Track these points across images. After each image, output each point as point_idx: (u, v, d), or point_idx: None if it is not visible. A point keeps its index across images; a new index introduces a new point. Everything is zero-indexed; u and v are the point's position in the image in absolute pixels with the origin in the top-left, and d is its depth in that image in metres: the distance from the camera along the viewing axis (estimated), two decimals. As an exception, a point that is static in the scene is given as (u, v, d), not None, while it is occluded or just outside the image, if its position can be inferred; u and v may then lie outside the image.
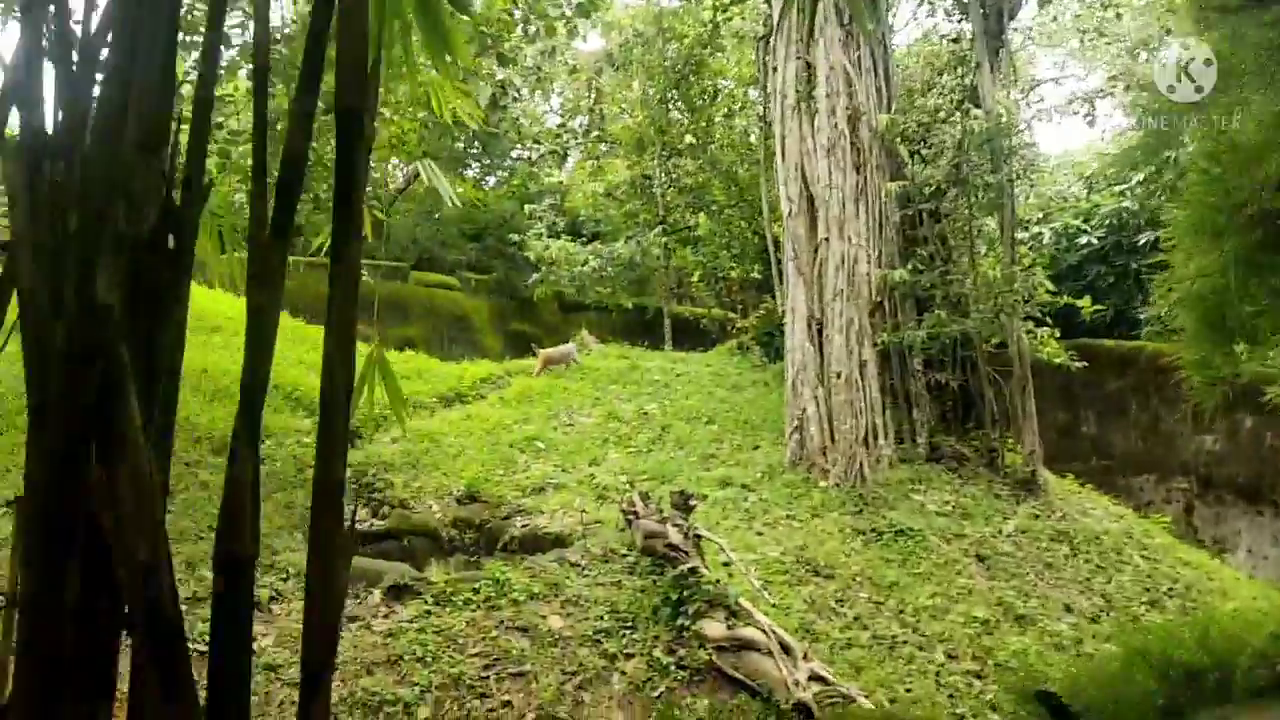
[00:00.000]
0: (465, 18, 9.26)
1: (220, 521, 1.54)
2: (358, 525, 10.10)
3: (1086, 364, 14.63)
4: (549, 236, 21.26)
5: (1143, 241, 20.93)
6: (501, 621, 7.66)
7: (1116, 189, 22.28)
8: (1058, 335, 14.29)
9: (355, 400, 3.99)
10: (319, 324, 15.22)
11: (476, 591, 7.89)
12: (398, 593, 7.91)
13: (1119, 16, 22.79)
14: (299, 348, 14.38)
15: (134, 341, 1.35)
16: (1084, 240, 21.89)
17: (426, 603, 7.67)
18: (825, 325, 12.49)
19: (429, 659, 7.04)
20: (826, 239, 12.79)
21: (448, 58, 3.54)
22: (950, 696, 8.58)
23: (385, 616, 7.62)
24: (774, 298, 18.01)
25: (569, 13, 10.73)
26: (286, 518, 9.45)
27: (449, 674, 6.93)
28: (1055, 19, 24.86)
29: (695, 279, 22.29)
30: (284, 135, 1.53)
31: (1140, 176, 21.75)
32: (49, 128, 1.42)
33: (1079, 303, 15.45)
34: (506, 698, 6.97)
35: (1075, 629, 10.14)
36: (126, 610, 1.39)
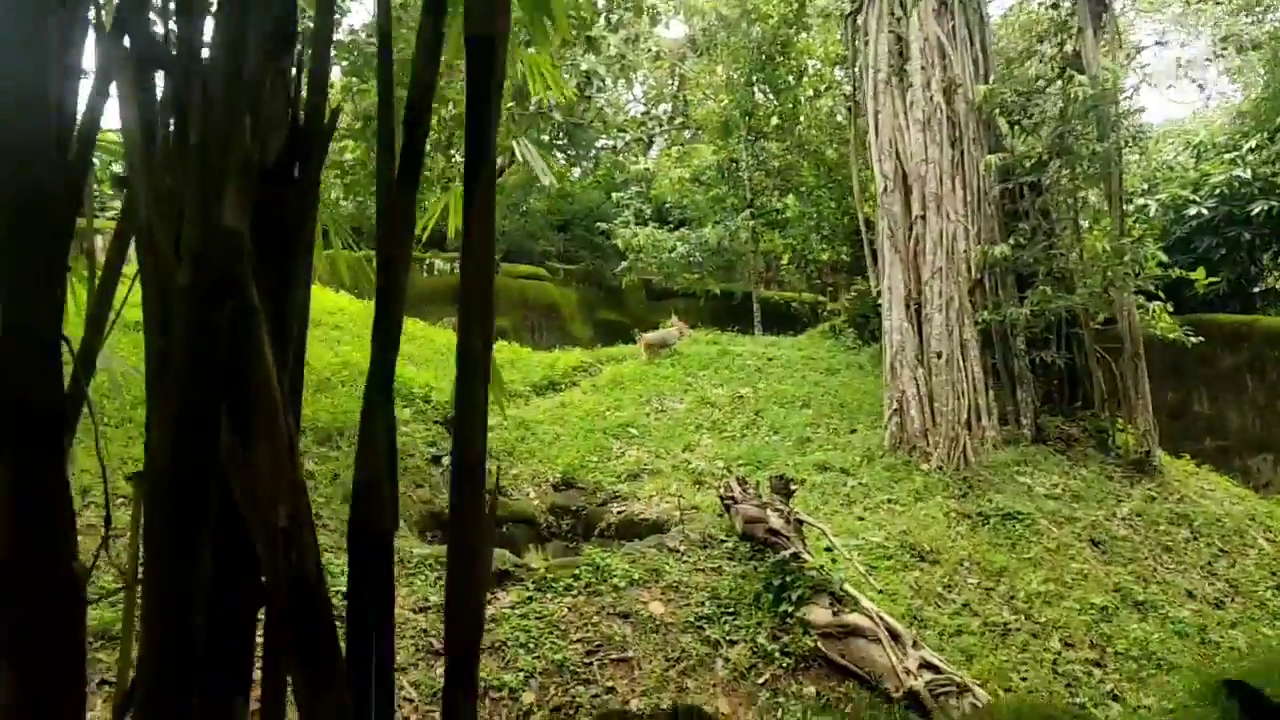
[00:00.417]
0: None
1: (355, 493, 1.42)
2: (456, 513, 10.19)
3: (1202, 339, 13.93)
4: (636, 224, 21.15)
5: (1256, 211, 19.89)
6: (603, 608, 7.61)
7: (1227, 157, 21.19)
8: (1170, 310, 13.61)
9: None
10: (410, 316, 15.40)
11: (577, 578, 7.84)
12: (500, 579, 7.91)
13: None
14: (394, 339, 14.60)
15: (264, 280, 1.22)
16: (1193, 211, 20.88)
17: (528, 589, 7.65)
18: (924, 304, 12.11)
19: (532, 645, 7.02)
20: (923, 216, 12.41)
21: (548, 26, 3.44)
22: (1068, 686, 8.24)
23: (488, 602, 7.64)
24: (866, 279, 17.61)
25: (655, -9, 10.57)
26: (387, 506, 9.56)
27: (552, 660, 6.90)
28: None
29: (785, 262, 21.90)
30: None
31: (1253, 143, 20.67)
32: (160, 36, 1.31)
33: (1192, 275, 14.70)
34: (610, 684, 6.90)
35: (1199, 615, 9.66)
36: (265, 583, 1.27)
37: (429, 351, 14.22)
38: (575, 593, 7.70)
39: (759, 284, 22.17)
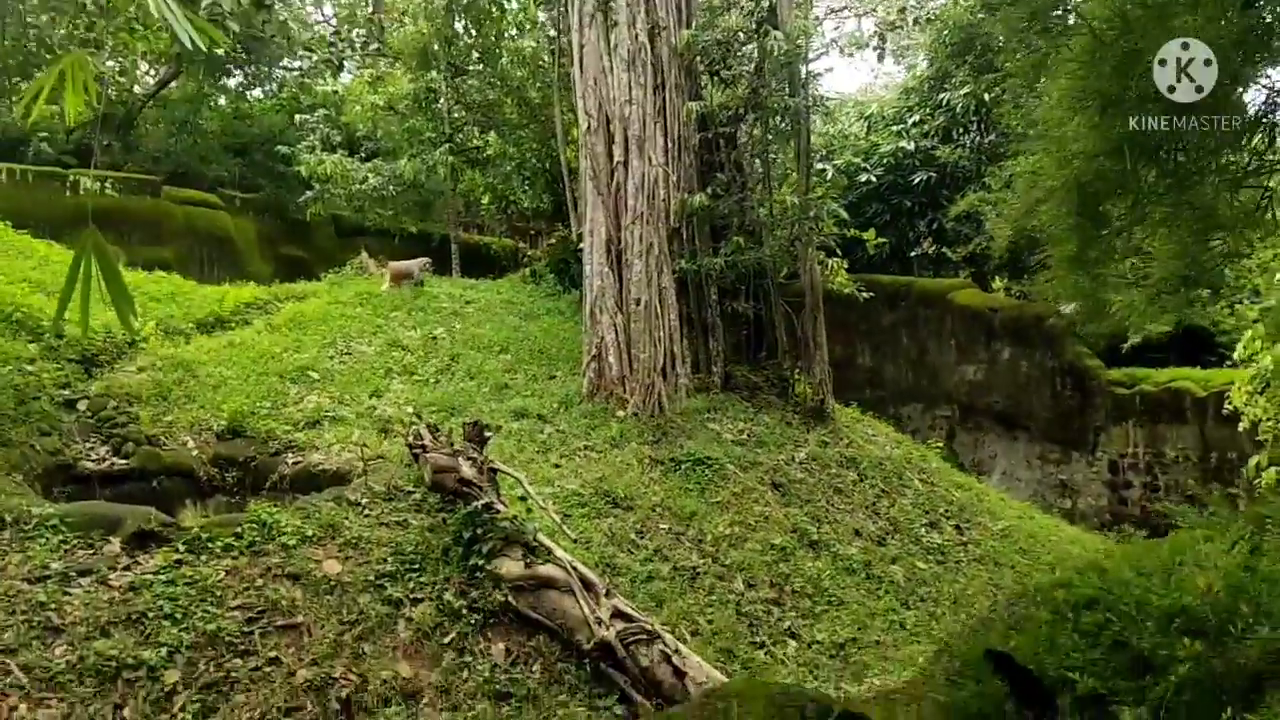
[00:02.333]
0: None
1: None
2: (95, 464, 8.78)
3: (872, 295, 14.96)
4: (323, 150, 19.45)
5: (917, 181, 21.79)
6: (269, 569, 6.76)
7: (894, 129, 23.02)
8: (847, 266, 14.46)
9: (66, 297, 3.03)
10: (48, 239, 13.30)
11: (239, 536, 6.92)
12: (142, 540, 6.81)
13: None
14: (21, 263, 12.45)
15: None
16: (864, 178, 22.53)
17: (178, 551, 6.64)
18: (625, 250, 11.97)
19: (179, 615, 6.09)
20: (625, 160, 12.23)
21: None
22: (750, 625, 8.47)
23: (126, 569, 6.54)
24: (568, 226, 17.34)
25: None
26: (4, 456, 8.03)
27: (204, 631, 6.01)
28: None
29: (485, 203, 21.13)
30: None
31: (916, 118, 22.55)
32: None
33: (865, 235, 15.72)
34: (273, 654, 6.13)
35: (865, 552, 10.31)
36: None
37: (64, 279, 12.23)
38: (236, 554, 6.79)
39: (458, 226, 21.32)
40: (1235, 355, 9.61)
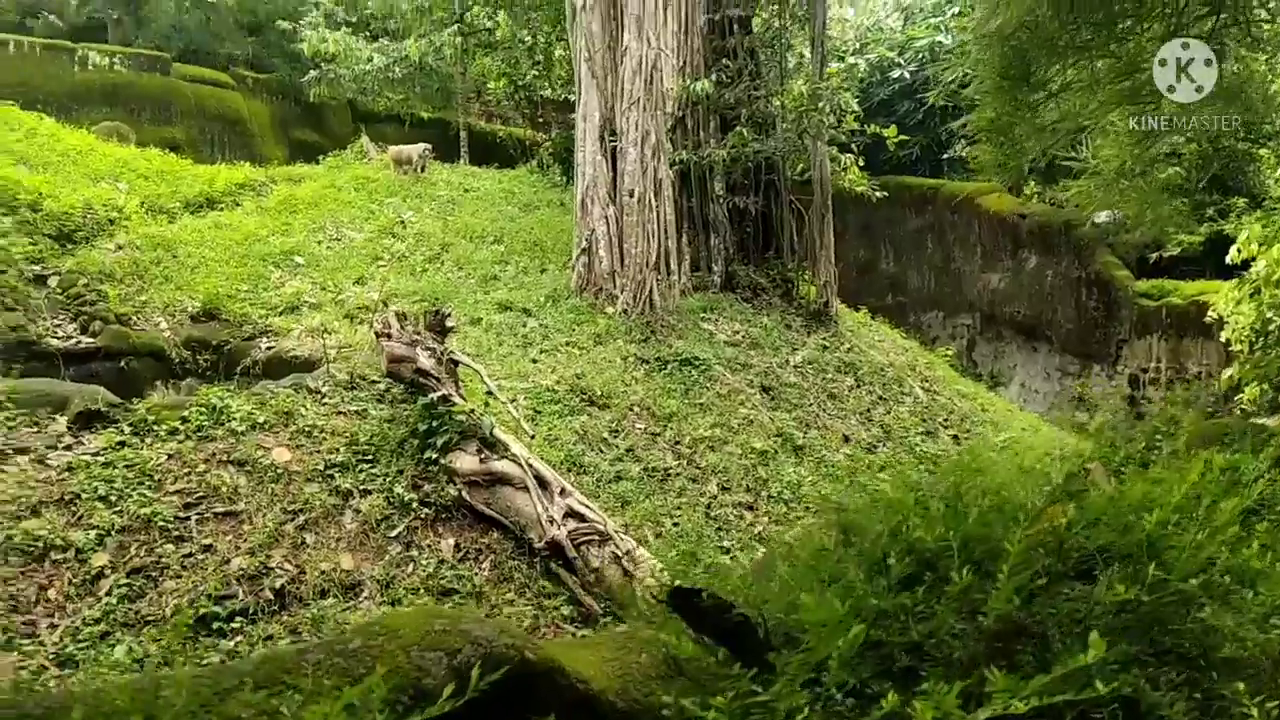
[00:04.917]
0: None
1: None
2: (60, 342, 8.64)
3: (886, 195, 14.34)
4: (328, 28, 18.74)
5: (952, 78, 20.72)
6: (213, 455, 6.59)
7: (932, 21, 21.88)
8: (861, 164, 13.81)
9: None
10: (52, 115, 12.86)
11: (185, 420, 6.73)
12: (88, 420, 6.66)
13: None
14: (6, 135, 12.18)
15: None
16: (896, 74, 21.54)
17: (122, 432, 6.47)
18: (620, 137, 11.43)
19: (114, 497, 5.94)
20: (626, 41, 11.58)
21: None
22: (719, 529, 8.25)
23: (67, 448, 6.40)
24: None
25: None
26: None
27: (137, 514, 5.87)
28: None
29: (497, 87, 20.35)
30: None
31: (956, 9, 21.37)
32: None
33: (885, 132, 14.98)
34: (208, 541, 5.99)
35: (851, 460, 10.02)
36: None
37: (52, 154, 11.98)
38: (181, 438, 6.61)
39: (471, 114, 20.67)
40: (1228, 258, 8.94)
